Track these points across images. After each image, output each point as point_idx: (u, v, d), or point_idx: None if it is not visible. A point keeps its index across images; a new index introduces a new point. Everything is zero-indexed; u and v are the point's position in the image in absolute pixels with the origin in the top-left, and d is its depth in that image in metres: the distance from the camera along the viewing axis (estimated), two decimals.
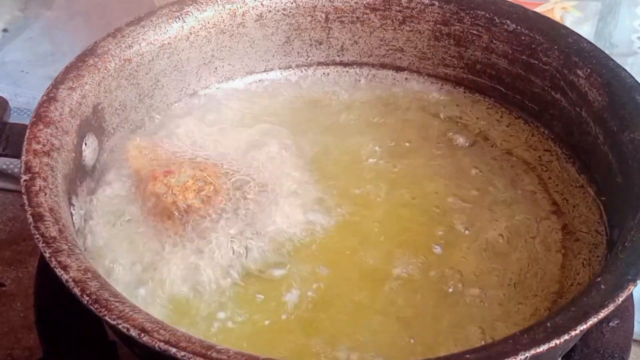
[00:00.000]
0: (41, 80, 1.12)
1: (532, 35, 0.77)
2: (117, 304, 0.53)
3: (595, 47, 0.74)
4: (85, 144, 0.70)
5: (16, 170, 0.97)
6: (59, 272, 0.54)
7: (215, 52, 0.81)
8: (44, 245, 0.56)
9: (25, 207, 0.58)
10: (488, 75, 0.81)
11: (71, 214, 0.64)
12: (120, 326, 0.51)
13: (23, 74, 1.14)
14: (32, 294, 0.77)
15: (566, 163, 0.75)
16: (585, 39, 0.75)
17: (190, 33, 0.78)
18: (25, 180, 0.60)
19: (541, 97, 0.77)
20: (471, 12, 0.79)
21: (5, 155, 0.67)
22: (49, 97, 0.67)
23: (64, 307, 0.67)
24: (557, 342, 0.52)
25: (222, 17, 0.80)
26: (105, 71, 0.72)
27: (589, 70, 0.73)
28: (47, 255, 0.55)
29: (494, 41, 0.79)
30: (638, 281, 0.55)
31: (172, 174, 0.70)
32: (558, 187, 0.74)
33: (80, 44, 1.16)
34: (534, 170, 0.76)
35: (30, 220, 0.57)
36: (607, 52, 0.74)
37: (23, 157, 0.62)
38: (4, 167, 0.98)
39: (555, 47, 0.75)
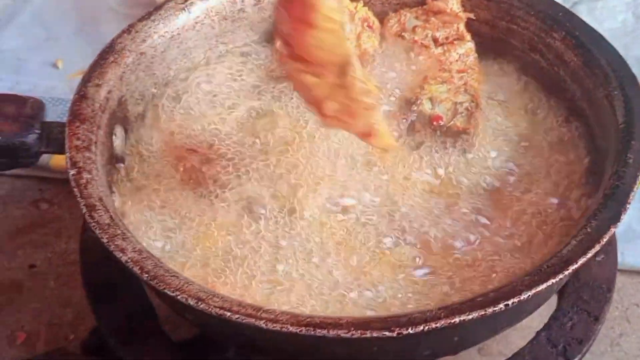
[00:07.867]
0: (40, 66, 1.14)
1: (510, 2, 0.84)
2: (172, 278, 0.60)
3: (569, 11, 0.81)
4: (115, 135, 0.76)
5: None
6: (117, 254, 0.61)
7: (219, 38, 0.87)
8: (101, 231, 0.62)
9: (78, 198, 0.64)
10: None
11: (113, 201, 0.71)
12: (179, 297, 0.59)
13: (21, 61, 1.14)
14: (63, 274, 0.86)
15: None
16: (560, 4, 0.82)
17: (196, 22, 0.84)
18: (73, 175, 0.66)
19: (522, 59, 0.84)
20: None
21: (48, 152, 0.72)
22: (80, 95, 0.73)
23: (108, 279, 0.75)
24: (554, 280, 0.60)
25: (223, 4, 0.86)
26: (124, 66, 0.78)
27: (563, 32, 0.80)
28: (104, 240, 0.62)
29: (475, 9, 0.85)
30: (617, 224, 0.63)
31: (197, 153, 0.76)
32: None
33: (71, 27, 1.18)
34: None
35: (85, 210, 0.63)
36: None
37: (67, 154, 0.68)
38: None
39: (532, 12, 0.82)
